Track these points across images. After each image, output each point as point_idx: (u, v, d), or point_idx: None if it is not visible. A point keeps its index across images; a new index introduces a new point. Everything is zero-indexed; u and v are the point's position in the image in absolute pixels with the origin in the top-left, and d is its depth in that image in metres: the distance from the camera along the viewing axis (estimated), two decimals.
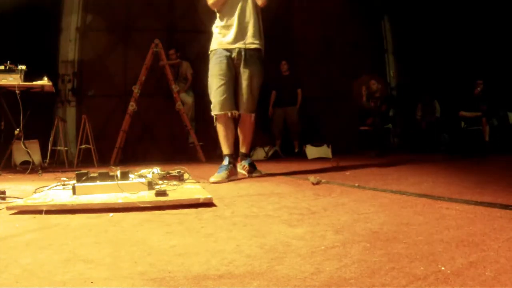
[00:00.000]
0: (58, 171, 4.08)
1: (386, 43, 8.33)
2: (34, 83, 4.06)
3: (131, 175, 2.07)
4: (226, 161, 2.83)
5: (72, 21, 6.67)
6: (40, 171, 3.79)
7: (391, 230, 1.14)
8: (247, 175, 3.00)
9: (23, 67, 3.94)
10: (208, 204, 1.69)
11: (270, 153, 6.04)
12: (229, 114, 2.83)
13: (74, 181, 1.91)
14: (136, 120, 6.01)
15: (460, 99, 6.49)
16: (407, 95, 7.64)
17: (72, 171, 3.71)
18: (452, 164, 3.86)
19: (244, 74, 2.84)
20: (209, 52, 2.91)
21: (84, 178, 1.89)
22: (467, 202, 1.52)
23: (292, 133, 6.68)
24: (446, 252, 0.90)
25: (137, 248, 1.03)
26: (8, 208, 1.58)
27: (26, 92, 4.05)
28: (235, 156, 2.95)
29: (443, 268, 0.79)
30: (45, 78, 4.12)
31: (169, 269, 0.85)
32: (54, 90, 4.45)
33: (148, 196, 1.75)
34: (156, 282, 0.78)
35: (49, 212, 1.53)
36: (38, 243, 1.10)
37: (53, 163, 5.26)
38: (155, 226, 1.31)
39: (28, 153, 3.90)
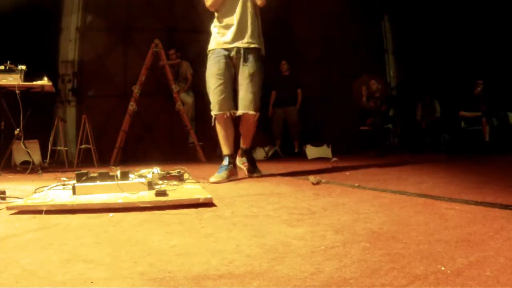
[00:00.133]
0: (58, 171, 4.08)
1: (386, 43, 8.33)
2: (34, 83, 4.06)
3: (131, 175, 2.07)
4: (226, 161, 2.82)
5: (72, 21, 6.67)
6: (40, 171, 3.79)
7: (391, 230, 1.14)
8: (245, 171, 2.98)
9: (23, 67, 3.94)
10: (208, 204, 1.69)
11: (270, 153, 6.04)
12: (228, 114, 2.82)
13: (74, 181, 1.91)
14: (136, 120, 6.01)
15: (460, 99, 6.49)
16: (407, 95, 7.63)
17: (72, 171, 3.71)
18: (452, 164, 3.86)
19: (244, 73, 2.80)
20: (208, 52, 2.91)
21: (84, 178, 1.89)
22: (467, 202, 1.52)
23: (292, 133, 6.68)
24: (446, 252, 0.90)
25: (137, 248, 1.03)
26: (8, 208, 1.58)
27: (26, 92, 4.05)
28: (235, 156, 2.95)
29: (443, 268, 0.79)
30: (45, 78, 4.12)
31: (169, 269, 0.85)
32: (54, 90, 4.45)
33: (148, 196, 1.75)
34: (156, 282, 0.78)
35: (49, 212, 1.53)
36: (38, 243, 1.10)
37: (53, 163, 5.26)
38: (155, 226, 1.31)
39: (28, 153, 3.90)
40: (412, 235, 1.06)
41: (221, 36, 2.82)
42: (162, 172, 2.40)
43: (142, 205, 1.60)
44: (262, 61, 2.87)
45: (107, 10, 6.74)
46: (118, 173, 1.99)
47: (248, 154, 3.04)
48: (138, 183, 1.91)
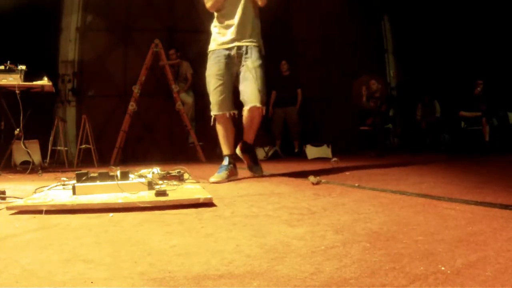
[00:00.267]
0: (58, 171, 4.08)
1: (386, 43, 8.33)
2: (34, 83, 4.06)
3: (131, 175, 2.07)
4: (226, 161, 2.82)
5: (72, 21, 6.67)
6: (40, 171, 3.78)
7: (391, 230, 1.14)
8: (245, 162, 2.94)
9: (23, 67, 3.94)
10: (208, 204, 1.68)
11: (270, 153, 6.04)
12: (228, 114, 2.81)
13: (74, 181, 1.91)
14: (136, 120, 6.01)
15: (460, 99, 6.49)
16: (407, 95, 7.63)
17: (72, 171, 3.71)
18: (452, 164, 3.86)
19: (247, 67, 2.75)
20: (208, 52, 2.90)
21: (84, 178, 1.89)
22: (467, 202, 1.52)
23: (292, 133, 6.68)
24: (446, 252, 0.90)
25: (137, 248, 1.03)
26: (8, 208, 1.58)
27: (26, 92, 4.05)
28: (235, 156, 2.94)
29: (443, 268, 0.79)
30: (45, 78, 4.12)
31: (169, 269, 0.85)
32: (54, 90, 4.45)
33: (148, 196, 1.75)
34: (156, 282, 0.78)
35: (49, 212, 1.53)
36: (38, 243, 1.10)
37: (53, 163, 5.26)
38: (155, 226, 1.31)
39: (28, 153, 3.90)
40: (412, 235, 1.06)
41: (221, 37, 2.82)
42: (162, 172, 2.40)
43: (142, 205, 1.60)
44: (263, 59, 2.85)
45: (107, 10, 6.74)
46: (118, 173, 1.99)
47: (250, 150, 2.94)
48: (138, 183, 1.91)
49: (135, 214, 1.51)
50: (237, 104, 2.85)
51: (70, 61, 6.65)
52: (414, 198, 1.69)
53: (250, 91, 2.73)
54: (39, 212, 1.52)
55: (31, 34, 5.59)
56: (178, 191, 1.89)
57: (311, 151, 5.85)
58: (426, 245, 0.96)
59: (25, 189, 2.34)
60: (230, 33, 2.78)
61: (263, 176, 2.97)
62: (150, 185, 1.92)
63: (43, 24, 6.06)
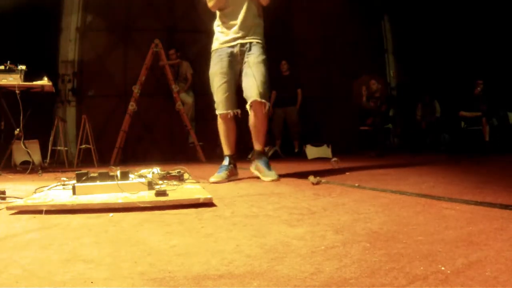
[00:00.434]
0: (58, 171, 4.09)
1: (386, 43, 8.34)
2: (34, 83, 4.06)
3: (131, 175, 2.07)
4: (226, 161, 2.81)
5: (72, 21, 6.68)
6: (40, 171, 3.79)
7: (391, 230, 1.14)
8: (260, 175, 2.72)
9: (23, 67, 3.94)
10: (208, 204, 1.68)
11: (270, 153, 6.04)
12: (232, 113, 2.79)
13: (74, 181, 1.91)
14: (136, 120, 6.01)
15: (460, 99, 6.49)
16: (407, 95, 7.64)
17: (72, 171, 3.72)
18: (452, 164, 3.86)
19: (248, 63, 2.73)
20: (211, 51, 2.90)
21: (84, 178, 1.89)
22: (467, 202, 1.52)
23: (292, 133, 6.69)
24: (446, 252, 0.90)
25: (137, 248, 1.03)
26: (8, 208, 1.58)
27: (26, 92, 4.05)
28: (235, 157, 2.93)
29: (443, 268, 0.79)
30: (45, 78, 4.12)
31: (169, 269, 0.85)
32: (54, 90, 4.45)
33: (148, 196, 1.75)
34: (156, 282, 0.78)
35: (49, 212, 1.53)
36: (38, 243, 1.10)
37: (53, 163, 5.26)
38: (155, 226, 1.31)
39: (28, 153, 3.90)
40: (412, 235, 1.06)
41: (224, 36, 2.81)
42: (162, 172, 2.40)
43: (142, 205, 1.60)
44: (267, 55, 2.81)
45: (107, 10, 6.74)
46: (118, 173, 1.99)
47: (262, 156, 2.76)
48: (138, 183, 1.91)
49: (135, 214, 1.51)
50: (241, 105, 2.83)
51: (70, 61, 6.65)
52: (414, 198, 1.69)
53: (250, 86, 2.70)
54: (39, 212, 1.52)
55: (31, 34, 5.59)
56: (178, 191, 1.89)
57: (311, 151, 5.85)
58: (426, 245, 0.96)
59: (25, 189, 2.34)
60: (233, 32, 2.77)
61: (278, 179, 2.63)
62: (150, 185, 1.91)
63: (43, 24, 6.06)
